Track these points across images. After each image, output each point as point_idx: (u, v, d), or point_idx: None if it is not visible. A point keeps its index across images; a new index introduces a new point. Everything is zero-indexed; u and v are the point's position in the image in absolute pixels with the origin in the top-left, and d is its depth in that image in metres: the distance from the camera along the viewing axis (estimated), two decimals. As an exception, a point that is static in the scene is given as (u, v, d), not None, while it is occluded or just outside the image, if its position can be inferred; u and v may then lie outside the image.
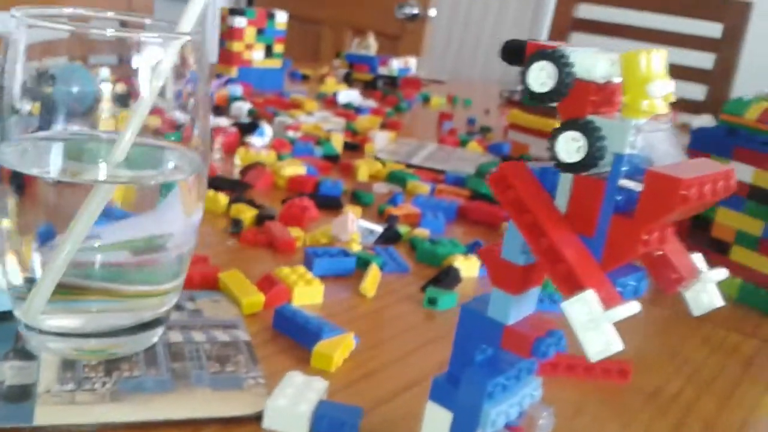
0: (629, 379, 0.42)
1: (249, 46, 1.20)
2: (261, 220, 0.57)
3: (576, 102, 0.25)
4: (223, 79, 1.12)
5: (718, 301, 0.26)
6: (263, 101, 1.06)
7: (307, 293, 0.45)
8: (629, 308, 0.23)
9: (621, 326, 0.23)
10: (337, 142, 0.86)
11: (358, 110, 1.12)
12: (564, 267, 0.24)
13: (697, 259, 0.27)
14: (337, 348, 0.38)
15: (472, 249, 0.56)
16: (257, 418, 0.32)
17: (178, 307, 0.41)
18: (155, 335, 0.36)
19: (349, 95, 1.21)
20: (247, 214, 0.57)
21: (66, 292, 0.33)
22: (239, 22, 1.18)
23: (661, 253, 0.26)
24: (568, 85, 0.25)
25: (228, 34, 1.19)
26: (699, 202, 0.23)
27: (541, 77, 0.25)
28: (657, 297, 0.52)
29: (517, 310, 0.27)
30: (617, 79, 0.25)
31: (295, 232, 0.54)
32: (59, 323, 0.34)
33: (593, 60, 0.25)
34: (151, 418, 0.31)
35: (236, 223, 0.56)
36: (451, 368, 0.29)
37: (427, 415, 0.30)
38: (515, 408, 0.29)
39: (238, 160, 0.74)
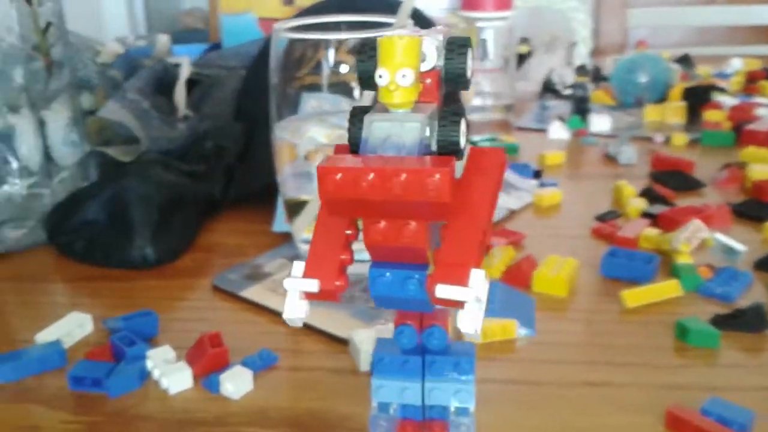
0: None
1: None
2: (645, 215, 0.54)
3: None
4: None
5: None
6: None
7: (549, 283, 0.44)
8: (302, 283, 0.26)
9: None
10: None
11: None
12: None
13: (475, 275, 0.23)
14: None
15: None
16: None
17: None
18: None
19: None
20: (634, 207, 0.55)
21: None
22: None
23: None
24: (364, 73, 0.25)
25: None
26: (366, 195, 0.22)
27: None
28: None
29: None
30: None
31: (649, 232, 0.50)
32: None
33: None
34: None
35: (610, 213, 0.55)
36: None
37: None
38: (411, 392, 0.29)
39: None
